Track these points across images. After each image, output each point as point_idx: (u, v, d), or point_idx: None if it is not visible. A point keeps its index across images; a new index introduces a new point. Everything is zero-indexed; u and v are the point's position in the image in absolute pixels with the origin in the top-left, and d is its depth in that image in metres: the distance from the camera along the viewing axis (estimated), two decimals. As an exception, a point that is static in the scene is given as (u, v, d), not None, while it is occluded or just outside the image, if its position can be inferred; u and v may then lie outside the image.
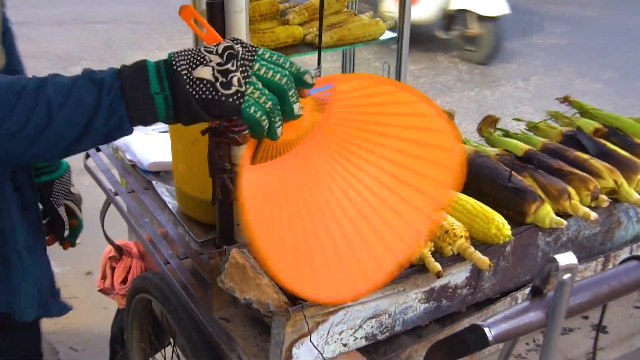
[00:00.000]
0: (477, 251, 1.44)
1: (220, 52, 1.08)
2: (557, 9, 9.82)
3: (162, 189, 2.19)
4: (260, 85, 1.07)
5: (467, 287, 1.53)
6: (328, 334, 1.36)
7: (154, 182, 2.22)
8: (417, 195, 1.15)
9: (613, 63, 7.45)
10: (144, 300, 2.18)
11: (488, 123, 2.00)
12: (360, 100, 1.19)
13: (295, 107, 1.10)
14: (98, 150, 2.47)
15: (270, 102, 1.07)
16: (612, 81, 6.92)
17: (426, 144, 1.17)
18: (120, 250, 2.48)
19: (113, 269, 2.53)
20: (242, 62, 1.07)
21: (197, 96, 1.06)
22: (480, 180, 1.70)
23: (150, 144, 2.36)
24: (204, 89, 1.06)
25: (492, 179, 1.68)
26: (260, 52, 1.09)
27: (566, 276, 1.12)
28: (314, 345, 1.34)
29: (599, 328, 1.39)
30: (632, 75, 7.05)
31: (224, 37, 1.54)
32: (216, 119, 1.11)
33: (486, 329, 1.06)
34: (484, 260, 1.42)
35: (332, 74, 1.20)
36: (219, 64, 1.07)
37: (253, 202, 1.08)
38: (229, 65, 1.07)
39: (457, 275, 1.50)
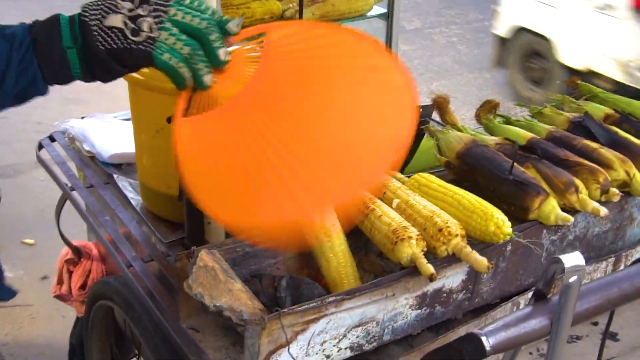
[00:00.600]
0: (474, 251, 1.44)
1: None
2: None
3: (124, 183, 2.18)
4: (175, 30, 1.10)
5: (464, 292, 1.53)
6: (309, 344, 1.35)
7: (115, 176, 2.20)
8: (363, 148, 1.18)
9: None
10: (105, 308, 2.17)
11: (487, 109, 2.00)
12: (308, 50, 1.24)
13: (221, 52, 1.13)
14: (52, 140, 2.46)
15: (188, 48, 1.11)
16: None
17: (378, 99, 1.21)
18: (78, 252, 2.47)
19: (71, 273, 2.51)
20: (155, 6, 1.10)
21: (107, 46, 1.10)
22: (478, 172, 1.70)
23: (111, 133, 2.35)
24: (114, 37, 1.10)
25: (491, 170, 1.68)
26: (171, 13, 1.11)
27: (572, 279, 1.12)
28: (292, 357, 1.33)
29: (606, 335, 1.39)
30: None
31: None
32: (131, 70, 1.15)
33: (484, 338, 1.06)
34: (481, 261, 1.41)
35: (273, 22, 1.25)
36: (130, 10, 1.10)
37: (190, 154, 1.15)
38: (139, 10, 1.10)
39: (452, 278, 1.49)
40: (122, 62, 1.12)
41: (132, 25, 1.09)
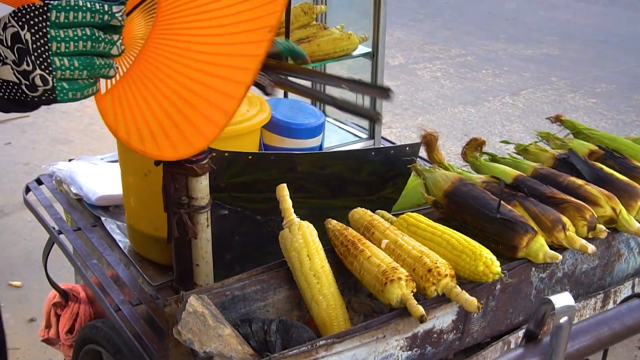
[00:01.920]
0: (463, 291, 1.43)
1: (9, 43, 1.10)
2: (548, 16, 9.97)
3: (111, 225, 2.16)
4: (66, 62, 1.12)
5: (454, 332, 1.52)
6: (300, 388, 1.33)
7: (102, 218, 2.19)
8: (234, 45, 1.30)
9: (607, 76, 7.56)
10: (92, 352, 2.14)
11: (473, 147, 2.00)
12: None
13: (115, 49, 1.18)
14: (40, 183, 2.44)
15: (85, 71, 1.14)
16: (607, 95, 7.01)
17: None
18: (66, 295, 2.44)
19: (58, 316, 2.48)
20: (36, 54, 1.10)
21: (8, 96, 1.12)
22: (466, 211, 1.70)
23: (98, 175, 2.34)
24: (13, 90, 1.11)
25: (478, 209, 1.67)
26: (52, 17, 1.11)
27: (563, 319, 1.11)
28: (283, 402, 1.31)
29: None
30: (628, 89, 7.16)
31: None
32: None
33: (476, 382, 1.05)
34: (471, 301, 1.40)
35: None
36: (14, 63, 1.10)
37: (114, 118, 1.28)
38: (24, 66, 1.10)
39: (443, 319, 1.48)
40: (25, 107, 1.16)
41: (25, 82, 1.10)
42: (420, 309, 1.39)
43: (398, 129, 6.13)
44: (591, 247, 1.58)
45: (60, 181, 2.38)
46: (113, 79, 1.25)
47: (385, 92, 1.57)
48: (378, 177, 2.00)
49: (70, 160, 2.52)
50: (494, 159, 1.99)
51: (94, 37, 1.13)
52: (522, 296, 1.61)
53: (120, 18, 1.16)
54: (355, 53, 2.91)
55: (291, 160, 1.90)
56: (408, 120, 6.35)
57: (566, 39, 8.87)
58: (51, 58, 1.10)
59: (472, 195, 1.71)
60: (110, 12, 1.14)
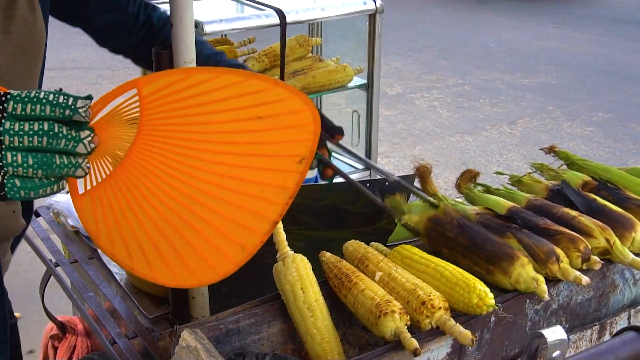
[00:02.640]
0: (457, 324, 1.42)
1: None
2: (544, 45, 10.03)
3: (108, 258, 2.15)
4: (19, 158, 1.01)
5: (449, 364, 1.51)
6: (293, 423, 1.32)
7: (99, 251, 2.18)
8: (258, 182, 1.17)
9: (604, 104, 7.59)
10: (89, 385, 2.12)
11: (467, 178, 2.00)
12: (190, 99, 1.18)
13: (81, 147, 1.05)
14: (37, 215, 2.44)
15: (40, 170, 1.02)
16: (603, 124, 7.03)
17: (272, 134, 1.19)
18: (63, 328, 2.42)
19: (56, 348, 2.46)
20: None
21: None
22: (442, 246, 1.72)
23: (95, 207, 2.33)
24: None
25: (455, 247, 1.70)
26: (10, 108, 1.01)
27: (555, 354, 1.11)
28: None
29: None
30: (624, 118, 7.18)
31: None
32: None
33: (468, 417, 1.04)
34: (465, 334, 1.40)
35: (136, 78, 1.19)
36: None
37: (96, 226, 1.13)
38: None
39: (437, 352, 1.47)
40: None
41: None
42: (414, 342, 1.38)
43: (396, 158, 6.14)
44: (585, 279, 1.57)
45: (57, 213, 2.38)
46: (94, 179, 1.13)
47: None
48: (374, 208, 1.99)
49: (67, 192, 2.52)
50: (488, 190, 1.99)
51: (51, 132, 1.02)
52: (517, 328, 1.60)
53: (84, 114, 1.05)
54: (350, 84, 2.93)
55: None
56: (406, 150, 6.36)
57: (562, 68, 8.92)
58: (3, 152, 1.00)
59: (445, 236, 1.73)
60: (73, 107, 1.03)
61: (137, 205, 1.13)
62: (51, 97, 1.02)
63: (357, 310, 1.52)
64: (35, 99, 1.01)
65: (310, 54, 3.00)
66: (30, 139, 1.00)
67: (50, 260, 2.18)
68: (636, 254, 1.71)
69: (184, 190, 1.14)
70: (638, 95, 7.86)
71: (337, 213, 1.99)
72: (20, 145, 1.00)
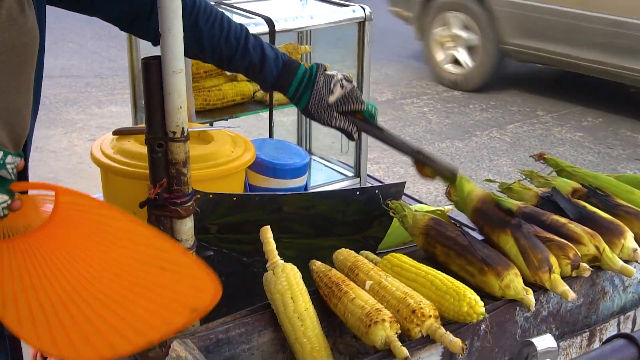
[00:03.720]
0: (448, 332, 1.43)
1: None
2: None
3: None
4: None
5: (440, 373, 1.51)
6: None
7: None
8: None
9: (593, 110, 7.61)
10: (78, 396, 2.12)
11: (457, 186, 2.01)
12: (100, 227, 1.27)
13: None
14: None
15: None
16: (593, 129, 7.05)
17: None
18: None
19: (45, 358, 2.46)
20: None
21: None
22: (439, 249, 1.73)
23: (84, 217, 2.33)
24: None
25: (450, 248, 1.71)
26: None
27: (545, 362, 1.11)
28: None
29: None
30: (614, 123, 7.21)
31: (162, 99, 1.55)
32: None
33: None
34: (456, 342, 1.40)
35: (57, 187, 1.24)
36: None
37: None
38: None
39: (428, 360, 1.48)
40: None
41: None
42: (405, 351, 1.39)
43: (386, 164, 6.14)
44: (572, 295, 1.58)
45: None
46: None
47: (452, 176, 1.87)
48: (364, 216, 2.00)
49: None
50: (477, 198, 2.00)
51: None
52: (507, 336, 1.61)
53: (10, 170, 1.08)
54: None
55: (276, 201, 1.91)
56: (396, 156, 6.36)
57: (552, 73, 8.95)
58: None
59: (445, 234, 1.73)
60: (1, 162, 1.06)
61: (27, 277, 1.18)
62: None
63: (347, 319, 1.52)
64: None
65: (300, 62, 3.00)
66: None
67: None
68: (625, 261, 1.72)
69: (73, 285, 1.20)
70: (628, 101, 7.90)
71: (327, 221, 1.99)
72: None
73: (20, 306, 1.19)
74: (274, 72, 1.80)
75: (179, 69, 1.56)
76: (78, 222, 1.24)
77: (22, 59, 1.50)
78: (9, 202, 1.09)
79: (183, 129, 1.59)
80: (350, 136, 1.84)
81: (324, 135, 5.65)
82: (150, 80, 1.59)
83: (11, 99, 1.30)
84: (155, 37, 1.61)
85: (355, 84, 1.83)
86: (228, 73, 2.84)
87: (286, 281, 1.55)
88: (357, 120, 1.82)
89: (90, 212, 1.27)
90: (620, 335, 1.32)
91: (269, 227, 1.63)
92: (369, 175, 3.09)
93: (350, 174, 3.03)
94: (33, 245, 1.19)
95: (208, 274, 1.28)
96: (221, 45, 1.79)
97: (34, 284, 1.19)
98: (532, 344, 1.11)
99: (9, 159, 1.06)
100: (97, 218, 1.27)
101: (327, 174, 3.10)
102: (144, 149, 1.63)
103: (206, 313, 1.26)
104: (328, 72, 1.80)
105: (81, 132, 6.02)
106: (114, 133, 2.01)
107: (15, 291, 1.18)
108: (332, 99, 1.75)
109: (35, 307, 1.19)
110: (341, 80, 1.78)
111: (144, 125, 1.63)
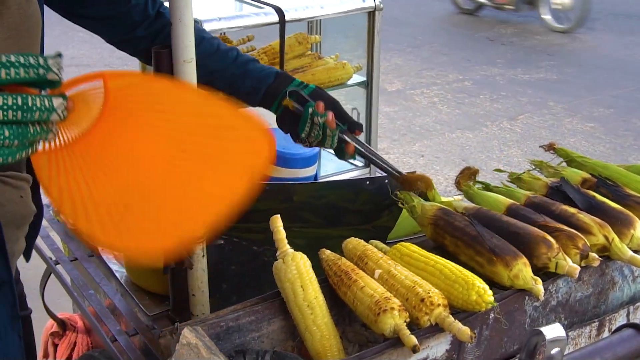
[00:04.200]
0: (456, 321, 1.43)
1: None
2: (544, 41, 10.03)
3: (108, 255, 2.17)
4: None
5: (448, 361, 1.52)
6: (294, 420, 1.33)
7: (99, 249, 2.19)
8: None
9: (605, 100, 7.59)
10: (89, 383, 2.14)
11: (467, 176, 2.01)
12: (151, 103, 1.27)
13: (55, 116, 1.10)
14: (37, 213, 2.45)
15: (16, 140, 1.07)
16: (604, 119, 7.04)
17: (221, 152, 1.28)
18: (63, 325, 2.44)
19: (56, 346, 2.48)
20: None
21: None
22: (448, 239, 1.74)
23: (95, 205, 2.34)
24: None
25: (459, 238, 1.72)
26: None
27: (554, 350, 1.12)
28: None
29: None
30: (625, 113, 7.18)
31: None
32: None
33: (466, 414, 1.05)
34: (464, 330, 1.41)
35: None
36: None
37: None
38: None
39: (436, 349, 1.49)
40: None
41: None
42: (413, 339, 1.40)
43: (396, 154, 6.15)
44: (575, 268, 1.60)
45: (57, 211, 2.39)
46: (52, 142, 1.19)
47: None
48: (373, 206, 2.01)
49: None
50: (487, 187, 2.01)
51: (26, 106, 1.06)
52: (516, 325, 1.62)
53: (57, 71, 1.09)
54: (350, 82, 2.94)
55: (286, 191, 1.91)
56: (406, 146, 6.37)
57: (563, 64, 8.92)
58: None
59: (453, 225, 1.74)
60: (45, 66, 1.07)
61: (88, 174, 1.19)
62: (22, 59, 1.06)
63: (356, 308, 1.53)
64: (8, 64, 1.04)
65: (309, 52, 3.00)
66: (6, 113, 1.04)
67: (50, 258, 2.20)
68: (635, 251, 1.72)
69: (136, 175, 1.22)
70: (639, 91, 7.87)
71: (337, 211, 2.00)
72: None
73: (88, 208, 1.20)
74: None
75: (190, 58, 1.57)
76: (130, 107, 1.24)
77: (27, 44, 1.52)
78: (65, 103, 1.11)
79: (194, 118, 1.59)
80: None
81: (334, 125, 5.66)
82: (161, 70, 1.60)
83: None
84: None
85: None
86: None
87: (296, 270, 1.56)
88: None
89: (140, 91, 1.27)
90: (629, 325, 1.32)
91: (278, 216, 1.64)
92: (379, 165, 3.09)
93: (361, 164, 3.04)
94: (91, 143, 1.20)
95: (262, 131, 1.28)
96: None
97: (99, 182, 1.20)
98: (541, 333, 1.11)
99: (51, 61, 1.08)
100: (148, 97, 1.27)
101: (337, 164, 3.10)
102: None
103: (265, 172, 1.28)
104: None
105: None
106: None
107: (82, 195, 1.19)
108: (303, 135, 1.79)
109: (103, 207, 1.19)
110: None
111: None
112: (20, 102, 1.06)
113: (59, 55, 1.11)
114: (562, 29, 10.14)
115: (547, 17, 10.30)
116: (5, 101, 1.04)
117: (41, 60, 1.07)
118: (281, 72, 1.89)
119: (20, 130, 1.06)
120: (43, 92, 1.11)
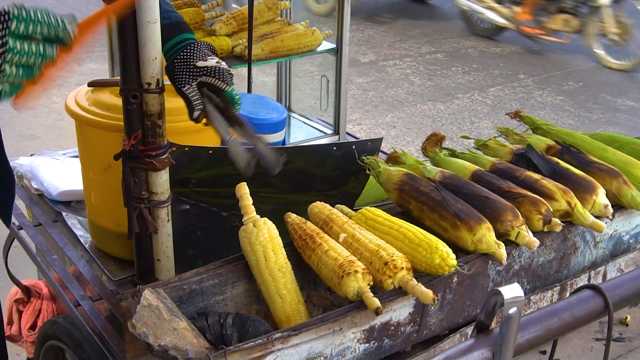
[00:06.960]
0: (419, 284, 1.44)
1: None
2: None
3: (73, 220, 2.15)
4: (14, 70, 1.18)
5: (411, 324, 1.53)
6: (256, 381, 1.34)
7: (64, 214, 2.18)
8: None
9: (575, 74, 7.64)
10: (54, 349, 2.13)
11: (433, 142, 2.02)
12: None
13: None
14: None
15: (24, 79, 1.20)
16: (574, 93, 7.08)
17: None
18: (28, 292, 2.42)
19: (20, 312, 2.46)
20: None
21: None
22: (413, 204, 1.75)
23: (60, 170, 2.33)
24: None
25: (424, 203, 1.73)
26: (13, 27, 1.17)
27: (512, 310, 1.13)
28: (240, 394, 1.31)
29: (551, 364, 1.40)
30: (594, 87, 7.23)
31: (136, 50, 1.53)
32: None
33: (425, 372, 1.06)
34: (427, 293, 1.42)
35: None
36: None
37: None
38: None
39: (400, 311, 1.50)
40: None
41: None
42: (376, 302, 1.40)
43: (368, 125, 6.14)
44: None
45: (21, 176, 2.37)
46: None
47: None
48: (341, 172, 2.01)
49: (31, 155, 2.51)
50: (453, 154, 2.01)
51: (46, 56, 1.20)
52: (479, 289, 1.63)
53: (70, 33, 1.22)
54: (319, 49, 2.92)
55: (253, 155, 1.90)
56: (378, 117, 6.37)
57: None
58: (3, 66, 1.17)
59: (419, 190, 1.75)
60: (65, 30, 1.20)
61: None
62: (46, 18, 1.19)
63: (320, 271, 1.54)
64: (36, 21, 1.18)
65: (279, 18, 2.98)
66: (29, 58, 1.18)
67: (14, 223, 2.17)
68: (597, 217, 1.74)
69: None
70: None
71: (305, 176, 2.00)
72: (19, 62, 1.18)
73: None
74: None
75: (154, 19, 1.55)
76: None
77: None
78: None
79: (158, 80, 1.58)
80: (191, 110, 1.67)
81: (305, 96, 5.64)
82: (124, 31, 1.57)
83: None
84: None
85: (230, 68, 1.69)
86: (206, 27, 2.82)
87: (267, 233, 1.55)
88: (210, 103, 1.68)
89: None
90: (587, 286, 1.34)
91: (244, 183, 1.63)
92: (348, 134, 3.09)
93: (330, 132, 3.03)
94: None
95: None
96: None
97: None
98: (499, 293, 1.12)
99: (69, 27, 1.21)
100: None
101: (306, 131, 3.09)
102: (119, 101, 1.62)
103: None
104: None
105: (60, 89, 5.96)
106: (89, 84, 1.99)
107: None
108: (201, 63, 1.64)
109: None
110: (219, 60, 1.67)
111: (119, 77, 1.62)
112: (42, 51, 1.20)
113: (74, 17, 1.23)
114: None
115: None
116: (30, 48, 1.18)
117: (60, 21, 1.20)
118: (174, 22, 1.72)
119: (32, 72, 1.20)
120: None
